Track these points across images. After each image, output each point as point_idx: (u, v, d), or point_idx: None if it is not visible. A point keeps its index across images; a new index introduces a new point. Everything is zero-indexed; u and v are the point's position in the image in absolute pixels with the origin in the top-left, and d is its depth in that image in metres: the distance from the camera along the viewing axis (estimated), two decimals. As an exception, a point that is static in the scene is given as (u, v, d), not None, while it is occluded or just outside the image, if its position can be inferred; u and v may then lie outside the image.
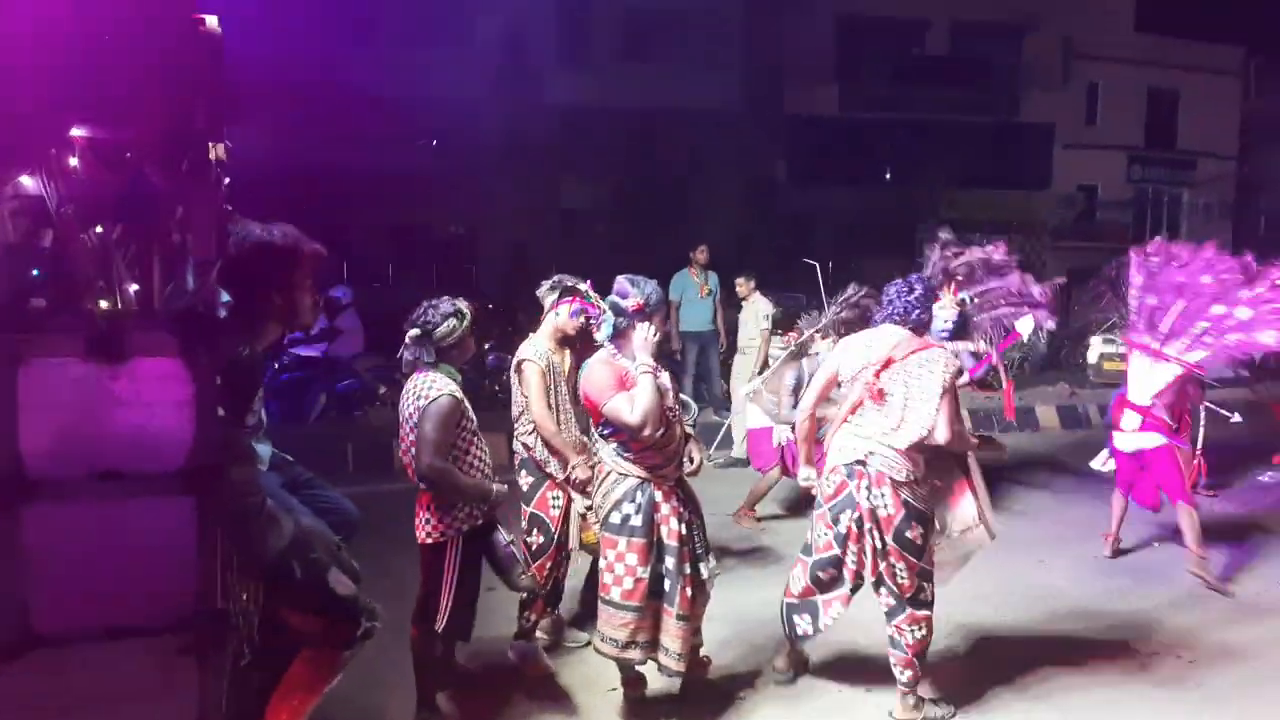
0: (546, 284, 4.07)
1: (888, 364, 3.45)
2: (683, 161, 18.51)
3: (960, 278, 5.28)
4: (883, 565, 3.43)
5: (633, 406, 3.23)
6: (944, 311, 4.99)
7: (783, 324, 7.40)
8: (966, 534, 3.81)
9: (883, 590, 3.50)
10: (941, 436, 3.40)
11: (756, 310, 8.33)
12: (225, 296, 2.46)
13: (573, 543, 4.07)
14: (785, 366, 5.95)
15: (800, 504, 6.42)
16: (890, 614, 3.50)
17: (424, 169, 16.34)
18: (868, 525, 3.42)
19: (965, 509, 3.88)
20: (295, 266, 2.65)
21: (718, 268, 9.49)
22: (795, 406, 5.65)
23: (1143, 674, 4.05)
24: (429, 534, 3.31)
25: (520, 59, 17.81)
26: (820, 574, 3.61)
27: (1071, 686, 3.87)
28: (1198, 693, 3.87)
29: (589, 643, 3.76)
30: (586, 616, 4.10)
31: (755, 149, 19.65)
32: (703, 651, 3.76)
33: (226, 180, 2.57)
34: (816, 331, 5.70)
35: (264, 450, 2.68)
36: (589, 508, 3.79)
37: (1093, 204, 23.88)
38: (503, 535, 3.45)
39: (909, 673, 3.49)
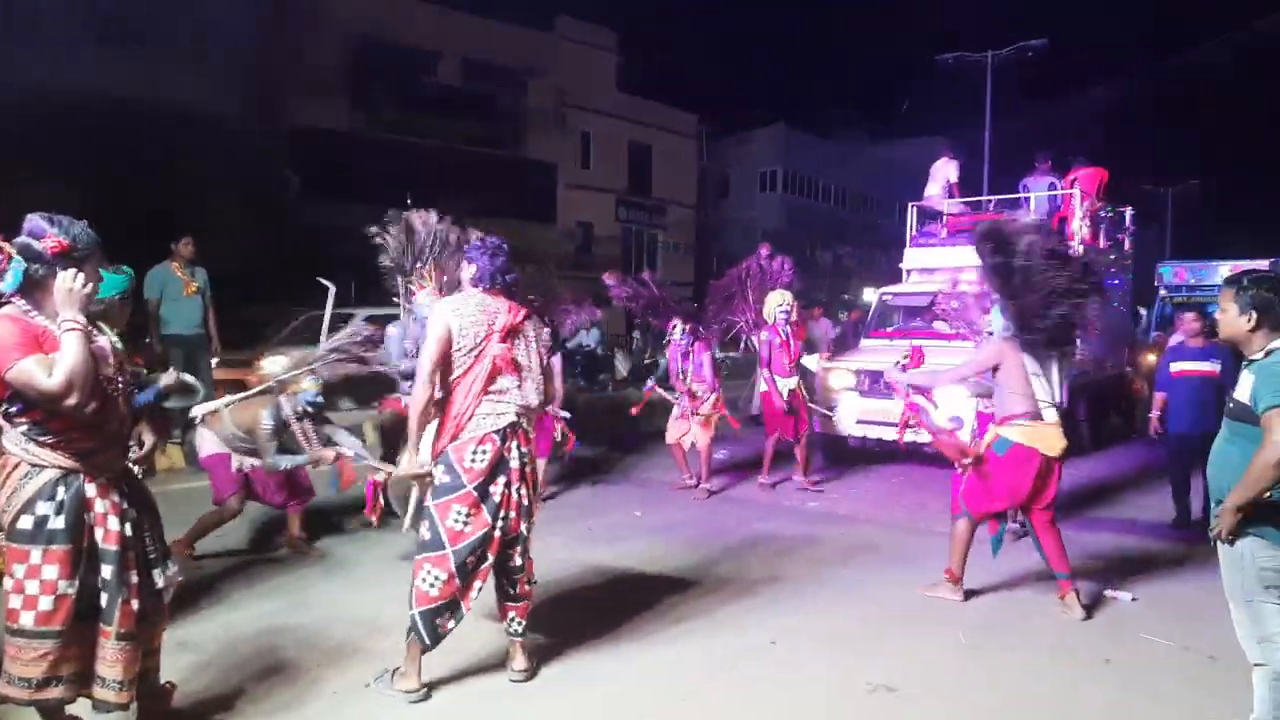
0: None
1: (512, 332, 3.51)
2: (171, 161, 16.23)
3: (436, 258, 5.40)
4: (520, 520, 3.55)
5: (52, 369, 2.55)
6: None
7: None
8: None
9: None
10: (558, 386, 3.98)
11: None
12: None
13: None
14: (260, 402, 5.04)
15: (261, 541, 5.59)
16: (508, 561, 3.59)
17: None
18: (515, 484, 3.49)
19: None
20: None
21: (219, 278, 8.35)
22: (278, 450, 4.99)
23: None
24: None
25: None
26: (468, 560, 3.42)
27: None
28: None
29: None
30: None
31: (259, 156, 18.12)
32: (165, 677, 3.12)
33: None
34: (304, 373, 5.05)
35: None
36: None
37: (589, 239, 26.74)
38: None
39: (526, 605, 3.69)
